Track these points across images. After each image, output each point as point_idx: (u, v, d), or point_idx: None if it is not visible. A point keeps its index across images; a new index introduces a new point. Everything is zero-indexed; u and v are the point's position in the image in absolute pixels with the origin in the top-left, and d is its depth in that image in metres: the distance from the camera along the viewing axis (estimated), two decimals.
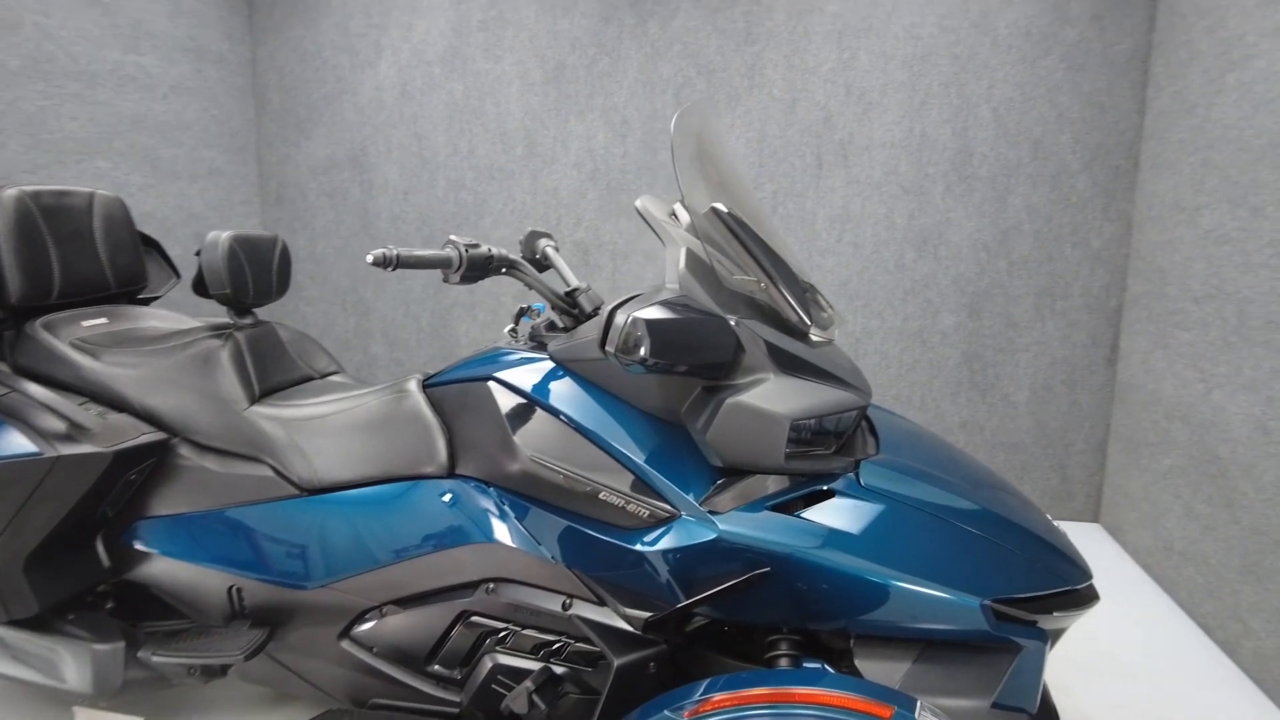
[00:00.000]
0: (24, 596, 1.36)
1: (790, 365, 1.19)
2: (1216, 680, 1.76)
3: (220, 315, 1.97)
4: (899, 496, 1.15)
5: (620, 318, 1.03)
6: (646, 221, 1.31)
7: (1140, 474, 2.31)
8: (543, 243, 1.60)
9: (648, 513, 1.17)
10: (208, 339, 1.51)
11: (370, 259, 1.15)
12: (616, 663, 1.16)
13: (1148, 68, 2.37)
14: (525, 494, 1.30)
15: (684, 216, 1.32)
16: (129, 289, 1.76)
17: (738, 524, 1.12)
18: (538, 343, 1.46)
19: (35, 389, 1.33)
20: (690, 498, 1.16)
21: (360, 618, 1.41)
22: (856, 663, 1.11)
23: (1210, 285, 1.96)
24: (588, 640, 1.28)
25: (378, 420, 1.43)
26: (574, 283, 1.49)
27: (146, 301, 1.87)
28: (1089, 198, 2.47)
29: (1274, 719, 1.62)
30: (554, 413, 1.26)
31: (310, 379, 1.69)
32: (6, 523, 1.30)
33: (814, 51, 2.58)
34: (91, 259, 1.64)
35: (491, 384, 1.34)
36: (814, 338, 1.27)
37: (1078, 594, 1.15)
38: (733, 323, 1.16)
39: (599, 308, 1.44)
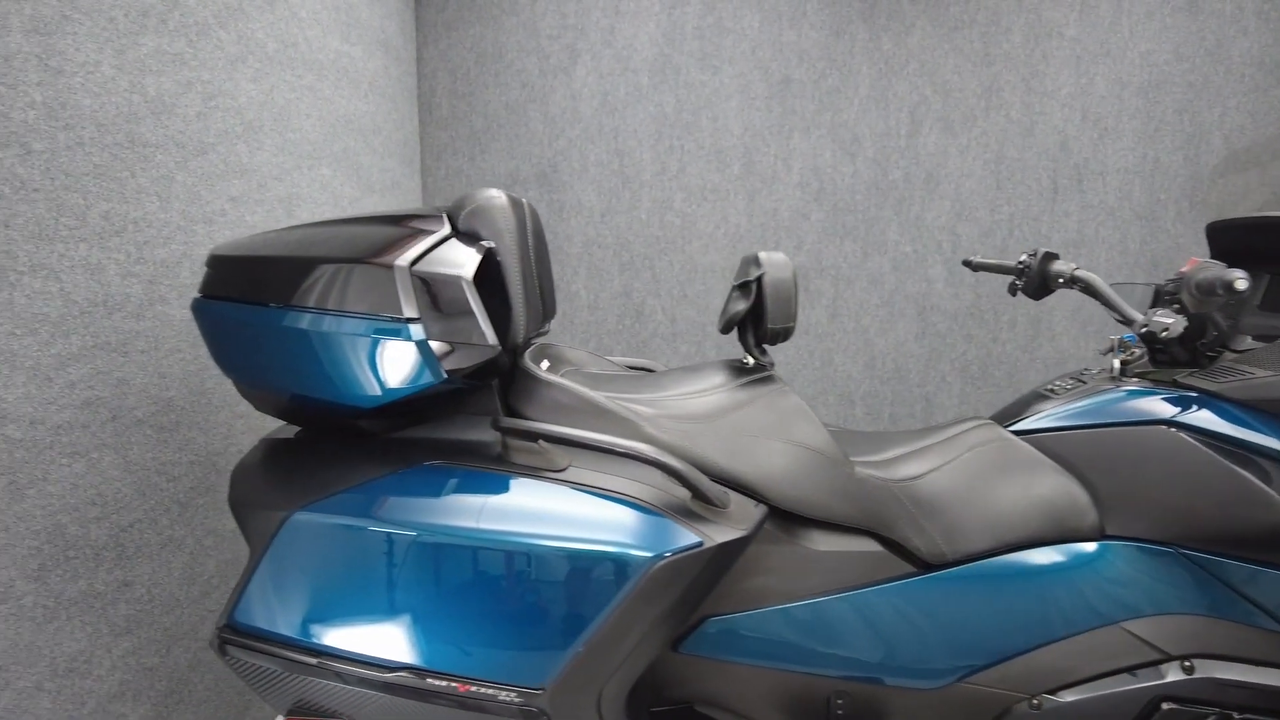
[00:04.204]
0: None
1: None
2: None
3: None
4: None
5: None
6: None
7: None
8: (1059, 265, 1.43)
9: None
10: (760, 383, 1.23)
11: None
12: None
13: None
14: (1246, 557, 1.12)
15: None
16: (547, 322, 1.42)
17: None
18: (1145, 379, 1.29)
19: (660, 455, 1.00)
20: None
21: (1002, 715, 1.17)
22: None
23: None
24: None
25: (993, 475, 1.21)
26: (1134, 315, 1.32)
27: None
28: None
29: None
30: None
31: None
32: (640, 637, 0.97)
33: (1052, 75, 2.55)
34: (534, 286, 1.31)
35: (1174, 430, 1.16)
36: None
37: None
38: None
39: (1223, 340, 1.29)
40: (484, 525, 0.94)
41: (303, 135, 1.85)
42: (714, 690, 1.16)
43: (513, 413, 1.16)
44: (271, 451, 1.10)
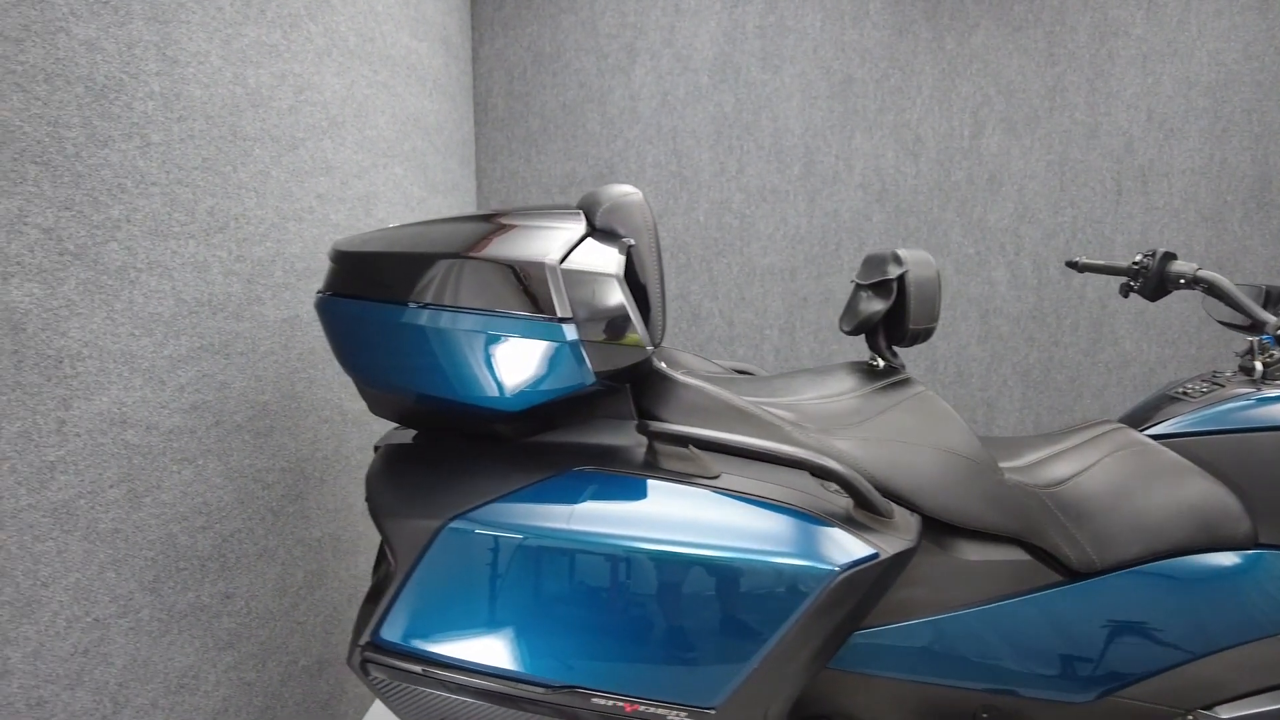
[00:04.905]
0: None
1: None
2: None
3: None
4: None
5: None
6: None
7: None
8: (1180, 266, 1.38)
9: None
10: (899, 386, 1.18)
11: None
12: None
13: None
14: None
15: None
16: None
17: None
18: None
19: (830, 462, 0.95)
20: None
21: None
22: None
23: None
24: None
25: (1139, 481, 1.16)
26: (1266, 316, 1.28)
27: None
28: None
29: None
30: None
31: None
32: (813, 653, 0.92)
33: (1118, 75, 2.51)
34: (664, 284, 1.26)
35: None
36: None
37: None
38: None
39: None
40: (654, 535, 0.89)
41: (378, 133, 1.81)
42: (857, 705, 1.11)
43: (646, 416, 1.11)
44: (401, 458, 1.05)
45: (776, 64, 2.53)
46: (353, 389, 1.68)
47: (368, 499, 0.98)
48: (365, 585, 1.77)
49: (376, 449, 1.15)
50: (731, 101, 2.55)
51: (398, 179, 1.92)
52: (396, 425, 1.21)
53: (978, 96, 2.54)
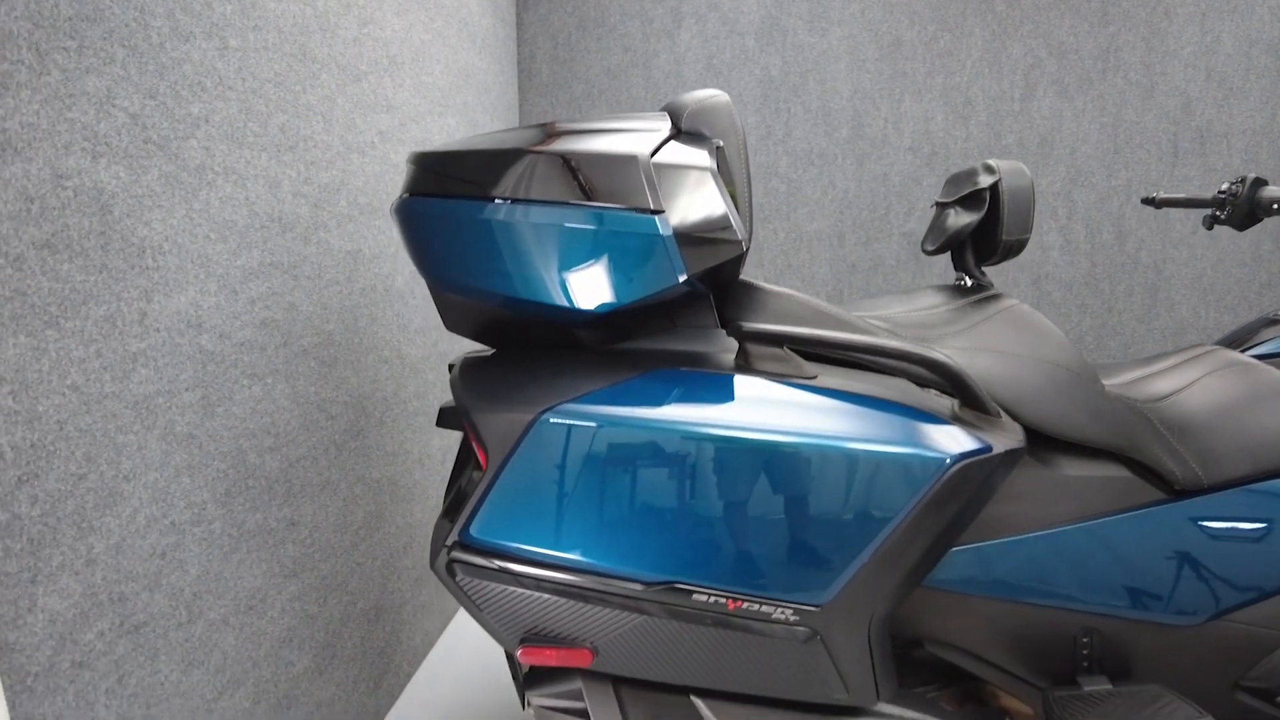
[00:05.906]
0: (890, 666, 0.93)
1: None
2: None
3: None
4: None
5: None
6: None
7: None
8: (1273, 191, 1.33)
9: None
10: (993, 299, 1.14)
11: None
12: None
13: None
14: None
15: None
16: None
17: None
18: None
19: (943, 357, 0.91)
20: None
21: (1265, 657, 1.07)
22: None
23: None
24: None
25: (1244, 398, 1.11)
26: None
27: None
28: None
29: None
30: None
31: None
32: (922, 551, 0.88)
33: (1174, 34, 2.46)
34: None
35: None
36: None
37: None
38: None
39: None
40: (760, 425, 0.85)
41: (434, 80, 1.79)
42: (951, 627, 1.07)
43: (748, 320, 1.07)
44: (484, 365, 1.02)
45: (824, 26, 2.50)
46: (411, 333, 1.66)
47: (455, 401, 0.95)
48: (421, 533, 1.74)
49: (451, 366, 1.13)
50: (778, 64, 2.52)
51: (450, 130, 1.90)
52: (469, 353, 1.18)
53: (1029, 58, 2.49)
